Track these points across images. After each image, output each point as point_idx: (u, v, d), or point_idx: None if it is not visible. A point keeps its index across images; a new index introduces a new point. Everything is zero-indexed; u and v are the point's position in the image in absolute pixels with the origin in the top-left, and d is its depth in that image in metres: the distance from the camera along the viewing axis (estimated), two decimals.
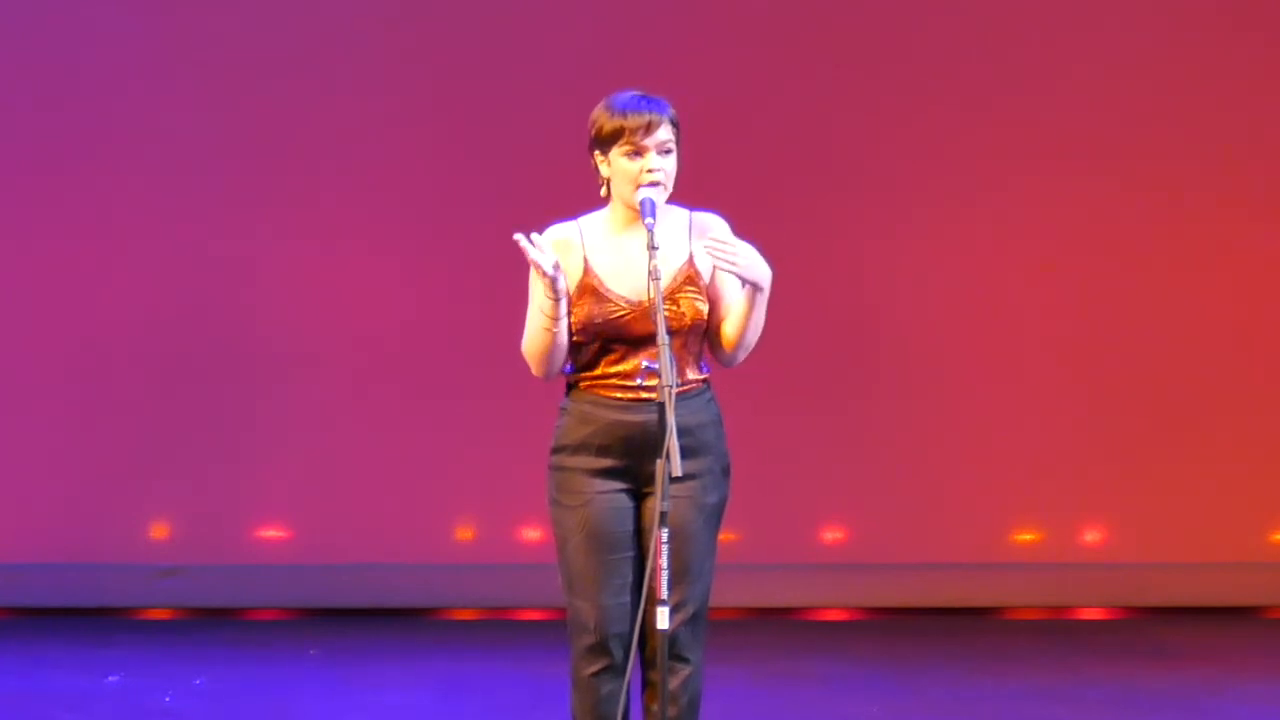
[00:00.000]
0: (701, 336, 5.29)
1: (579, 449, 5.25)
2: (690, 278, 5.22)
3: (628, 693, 5.23)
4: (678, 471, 4.83)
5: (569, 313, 5.22)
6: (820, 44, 9.95)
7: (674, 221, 5.28)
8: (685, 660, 5.22)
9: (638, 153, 5.17)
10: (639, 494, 5.25)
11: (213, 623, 9.70)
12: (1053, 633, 9.53)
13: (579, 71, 9.78)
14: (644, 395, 5.20)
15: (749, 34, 9.94)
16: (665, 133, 5.18)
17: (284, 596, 10.03)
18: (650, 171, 5.15)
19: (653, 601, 4.95)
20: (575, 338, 5.25)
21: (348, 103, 9.96)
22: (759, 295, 5.17)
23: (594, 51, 9.87)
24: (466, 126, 9.95)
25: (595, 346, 5.26)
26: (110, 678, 8.28)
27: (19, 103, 9.97)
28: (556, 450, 5.30)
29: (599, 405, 5.25)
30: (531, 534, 9.85)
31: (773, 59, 9.93)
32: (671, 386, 4.92)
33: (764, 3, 9.96)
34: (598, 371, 5.27)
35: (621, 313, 5.22)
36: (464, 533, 10.01)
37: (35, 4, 9.96)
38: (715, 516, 5.27)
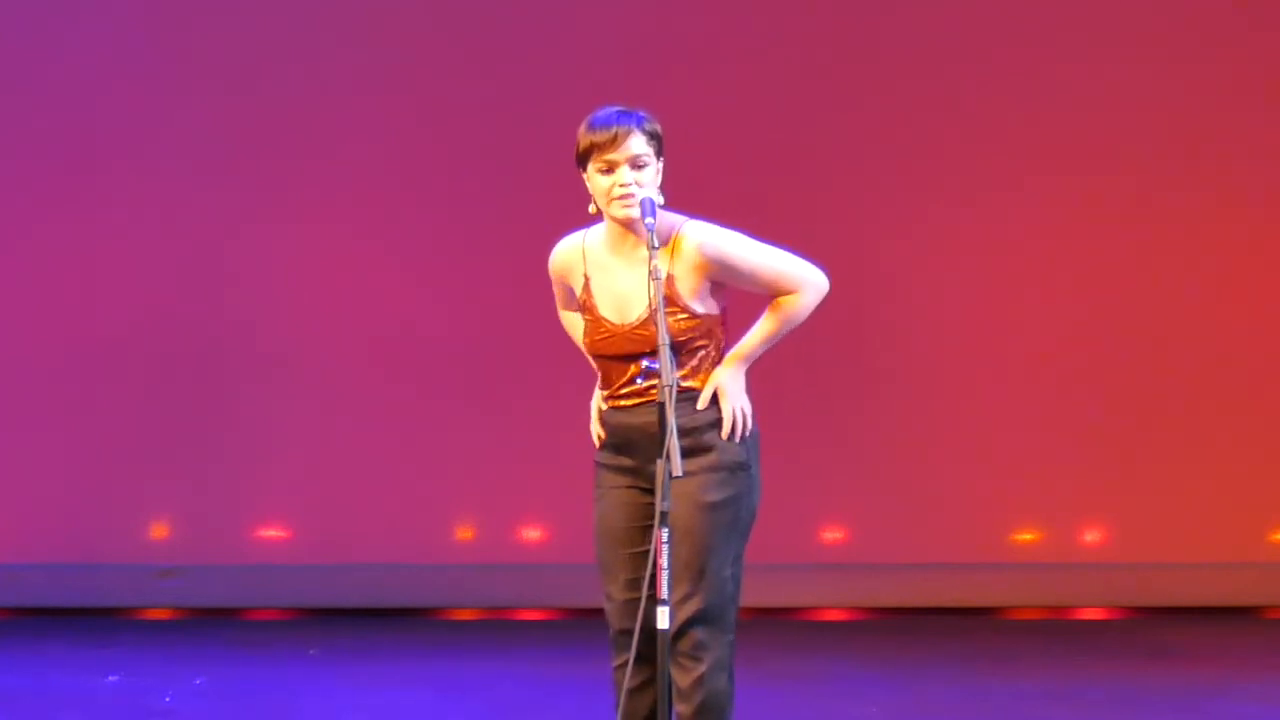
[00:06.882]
0: (695, 348, 5.22)
1: (604, 446, 5.34)
2: (669, 298, 5.16)
3: (656, 690, 5.18)
4: (678, 471, 4.80)
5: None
6: (824, 44, 9.95)
7: (661, 236, 5.19)
8: (697, 659, 5.19)
9: (609, 169, 5.13)
10: (650, 492, 5.23)
11: (213, 623, 9.70)
12: (1053, 633, 9.53)
13: (581, 70, 9.78)
14: (648, 396, 5.19)
15: (752, 34, 9.94)
16: (638, 145, 5.11)
17: (284, 596, 10.03)
18: (622, 186, 5.11)
19: (653, 600, 4.93)
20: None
21: (350, 103, 9.97)
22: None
23: (598, 50, 9.87)
24: (468, 128, 9.95)
25: (601, 361, 5.28)
26: (110, 678, 8.28)
27: (16, 103, 9.97)
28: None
29: (614, 410, 5.29)
30: (531, 534, 9.84)
31: (775, 59, 9.93)
32: (672, 386, 4.89)
33: (770, 2, 9.97)
34: (609, 382, 5.27)
35: (608, 336, 5.24)
36: (464, 533, 10.01)
37: (35, 5, 9.96)
38: (724, 514, 5.19)
